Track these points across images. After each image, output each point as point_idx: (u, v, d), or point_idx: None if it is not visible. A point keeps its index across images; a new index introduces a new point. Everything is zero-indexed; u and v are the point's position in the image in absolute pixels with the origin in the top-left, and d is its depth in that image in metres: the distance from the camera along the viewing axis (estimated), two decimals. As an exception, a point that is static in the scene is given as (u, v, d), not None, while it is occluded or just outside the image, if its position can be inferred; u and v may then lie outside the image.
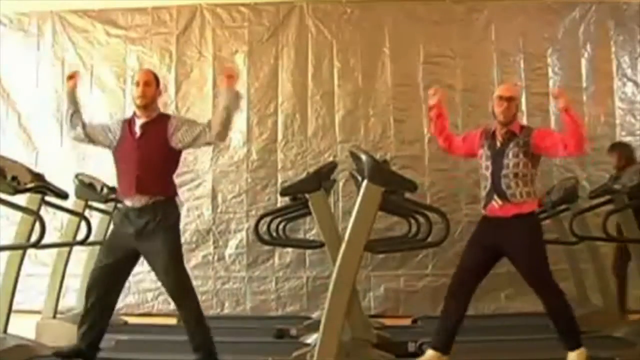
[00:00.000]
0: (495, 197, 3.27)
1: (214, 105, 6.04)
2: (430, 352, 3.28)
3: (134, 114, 3.31)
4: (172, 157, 3.28)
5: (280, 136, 6.01)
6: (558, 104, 3.21)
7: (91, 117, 5.91)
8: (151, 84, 3.27)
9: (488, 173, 3.32)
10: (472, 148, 3.47)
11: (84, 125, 3.40)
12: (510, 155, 3.25)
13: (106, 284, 3.19)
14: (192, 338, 3.15)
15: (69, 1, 6.17)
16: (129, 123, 3.29)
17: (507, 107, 3.28)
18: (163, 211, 3.15)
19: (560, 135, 3.28)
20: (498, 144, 3.32)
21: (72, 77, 3.51)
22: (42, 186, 3.58)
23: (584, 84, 5.96)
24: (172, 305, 5.39)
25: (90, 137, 3.39)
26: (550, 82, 5.95)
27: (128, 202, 3.21)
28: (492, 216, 3.31)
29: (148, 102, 3.24)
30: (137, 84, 3.26)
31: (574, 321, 3.26)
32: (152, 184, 3.16)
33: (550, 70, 5.97)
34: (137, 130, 3.24)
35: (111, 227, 4.15)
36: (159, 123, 3.23)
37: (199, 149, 5.94)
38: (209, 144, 3.49)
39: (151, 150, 3.18)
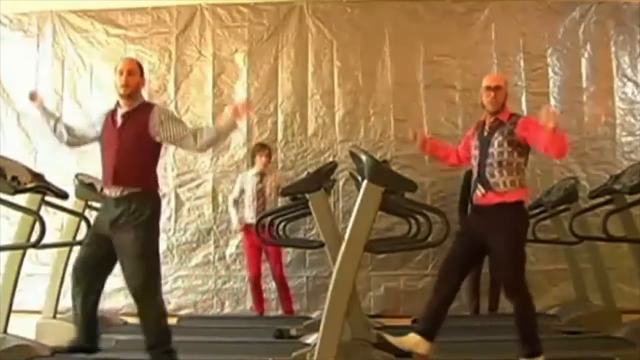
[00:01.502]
0: (479, 186, 3.27)
1: (214, 106, 6.06)
2: (413, 335, 3.22)
3: (117, 103, 3.27)
4: (152, 149, 3.20)
5: (280, 136, 6.01)
6: (547, 126, 3.01)
7: (91, 117, 6.03)
8: (134, 73, 3.23)
9: (475, 162, 3.33)
10: (470, 148, 3.47)
11: (69, 131, 3.37)
12: (496, 144, 3.25)
13: (88, 270, 3.15)
14: (147, 337, 3.10)
15: (69, 1, 6.17)
16: (112, 113, 3.25)
17: (494, 97, 3.30)
18: (138, 204, 3.08)
19: (546, 135, 3.12)
20: (485, 133, 3.32)
21: (33, 98, 3.40)
22: (42, 186, 3.58)
23: (584, 84, 5.96)
24: (172, 305, 5.49)
25: (80, 139, 3.38)
26: (550, 82, 5.96)
27: (107, 192, 3.19)
28: (477, 205, 3.31)
29: (131, 91, 3.20)
30: (121, 73, 3.22)
31: (535, 326, 3.17)
32: (129, 175, 3.10)
33: (550, 70, 5.98)
34: (119, 119, 3.19)
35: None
36: (141, 112, 3.17)
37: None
38: (188, 150, 3.42)
39: (130, 140, 3.13)
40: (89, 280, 3.16)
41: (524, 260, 3.21)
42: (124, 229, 3.07)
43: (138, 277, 3.06)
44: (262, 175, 5.43)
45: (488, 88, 3.32)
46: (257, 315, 5.47)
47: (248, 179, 5.46)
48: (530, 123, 3.24)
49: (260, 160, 5.43)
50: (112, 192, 3.13)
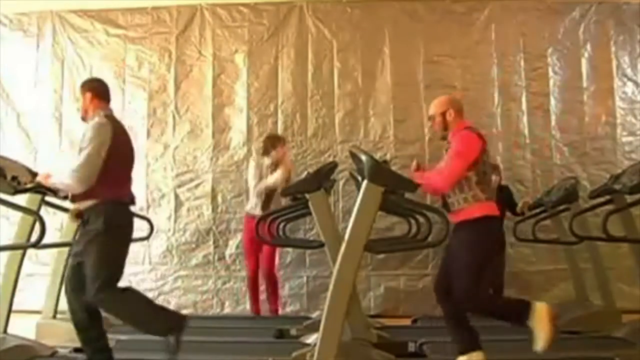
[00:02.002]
0: (444, 208, 3.32)
1: (214, 106, 6.06)
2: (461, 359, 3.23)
3: None
4: None
5: (280, 136, 6.00)
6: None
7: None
8: (81, 97, 3.31)
9: None
10: None
11: None
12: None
13: (75, 282, 3.13)
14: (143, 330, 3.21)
15: (69, 1, 6.17)
16: None
17: (432, 125, 3.50)
18: (92, 217, 3.06)
19: (438, 169, 3.30)
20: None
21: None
22: (42, 186, 3.58)
23: (584, 84, 5.96)
24: (172, 305, 5.49)
25: None
26: (551, 82, 5.96)
27: None
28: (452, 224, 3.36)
29: (83, 114, 3.31)
30: None
31: (505, 308, 3.27)
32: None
33: (550, 70, 5.98)
34: None
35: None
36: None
37: (199, 148, 6.01)
38: None
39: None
40: (78, 291, 3.13)
41: (477, 270, 3.14)
42: (80, 242, 3.11)
43: (90, 290, 3.02)
44: (276, 167, 5.25)
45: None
46: (257, 316, 5.46)
47: (263, 170, 5.29)
48: (453, 143, 3.27)
49: (282, 151, 5.26)
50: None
